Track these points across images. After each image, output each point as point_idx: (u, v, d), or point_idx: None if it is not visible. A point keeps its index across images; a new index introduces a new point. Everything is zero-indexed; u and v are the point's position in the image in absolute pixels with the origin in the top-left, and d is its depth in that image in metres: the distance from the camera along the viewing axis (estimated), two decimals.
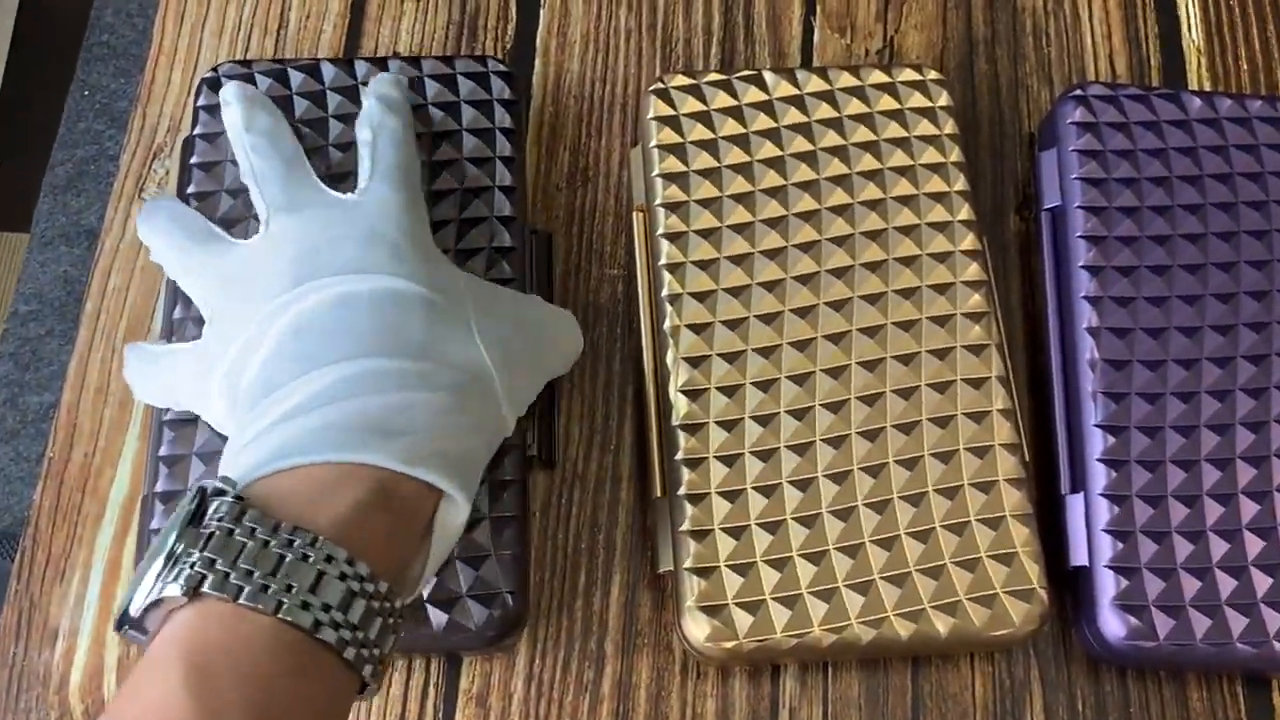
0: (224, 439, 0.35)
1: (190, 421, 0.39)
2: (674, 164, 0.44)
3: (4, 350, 0.44)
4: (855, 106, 0.46)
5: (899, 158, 0.45)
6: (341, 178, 0.42)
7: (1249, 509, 0.41)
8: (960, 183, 0.45)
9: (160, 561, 0.28)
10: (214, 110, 0.43)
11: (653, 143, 0.45)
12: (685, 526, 0.40)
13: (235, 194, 0.43)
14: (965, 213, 0.45)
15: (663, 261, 0.43)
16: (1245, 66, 0.52)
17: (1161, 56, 0.52)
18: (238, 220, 0.42)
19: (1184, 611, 0.40)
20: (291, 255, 0.35)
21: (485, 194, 0.44)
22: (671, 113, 0.45)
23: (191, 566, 0.28)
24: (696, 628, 0.39)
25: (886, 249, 0.44)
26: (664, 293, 0.43)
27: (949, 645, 0.39)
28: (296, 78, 0.44)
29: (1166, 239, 0.45)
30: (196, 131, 0.44)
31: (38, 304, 0.45)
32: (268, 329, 0.34)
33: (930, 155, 0.45)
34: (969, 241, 0.44)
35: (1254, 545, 0.40)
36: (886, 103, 0.46)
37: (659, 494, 0.41)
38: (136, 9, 0.50)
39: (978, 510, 0.40)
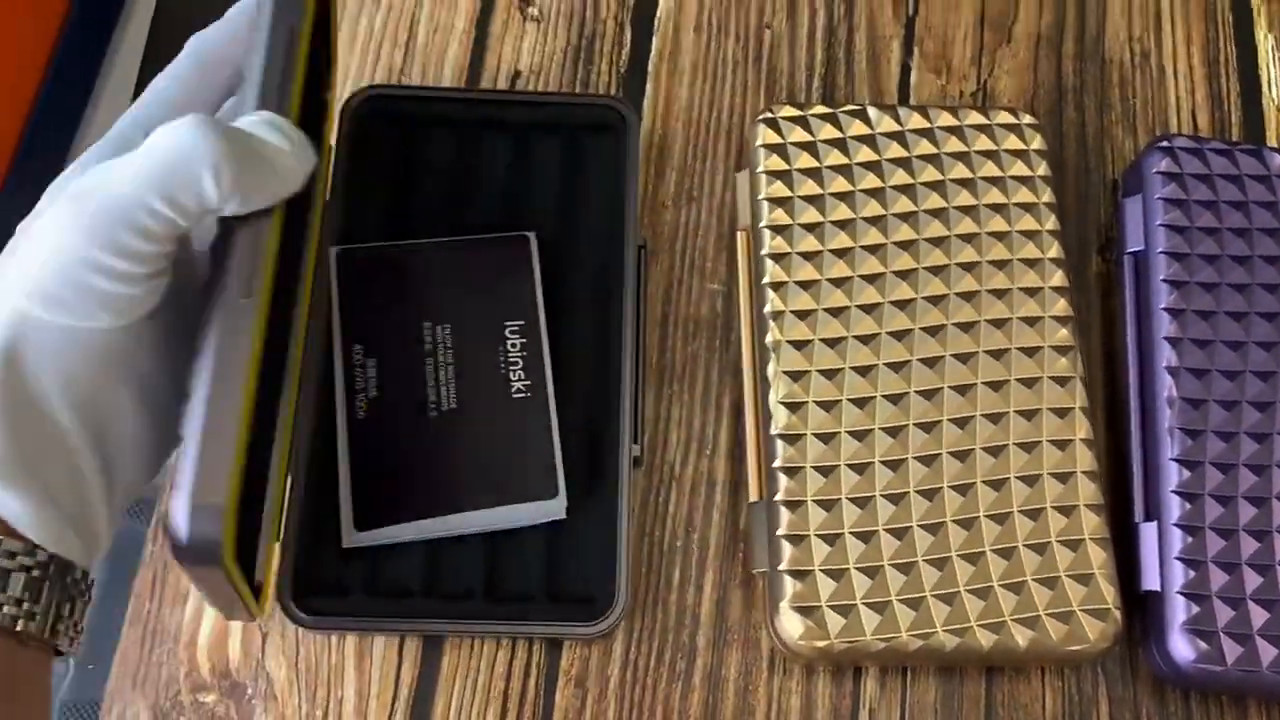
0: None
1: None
2: (780, 189, 0.47)
3: None
4: (953, 144, 0.49)
5: (994, 195, 0.48)
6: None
7: None
8: (1051, 222, 0.48)
9: None
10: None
11: (760, 168, 0.48)
12: (782, 530, 0.42)
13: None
14: (1055, 251, 0.47)
15: (766, 280, 0.46)
16: None
17: (1243, 114, 0.54)
18: None
19: (1251, 640, 0.42)
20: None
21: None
22: (779, 141, 0.48)
23: None
24: (790, 626, 0.41)
25: (980, 280, 0.46)
26: (766, 309, 0.45)
27: (1026, 657, 0.42)
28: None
29: (1245, 287, 0.47)
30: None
31: None
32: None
33: (1023, 195, 0.48)
34: (1058, 278, 0.47)
35: None
36: (983, 142, 0.49)
37: (755, 498, 0.44)
38: None
39: (1059, 532, 0.43)
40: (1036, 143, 0.49)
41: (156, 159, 0.29)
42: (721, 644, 0.44)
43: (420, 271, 0.44)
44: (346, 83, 0.52)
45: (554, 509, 0.41)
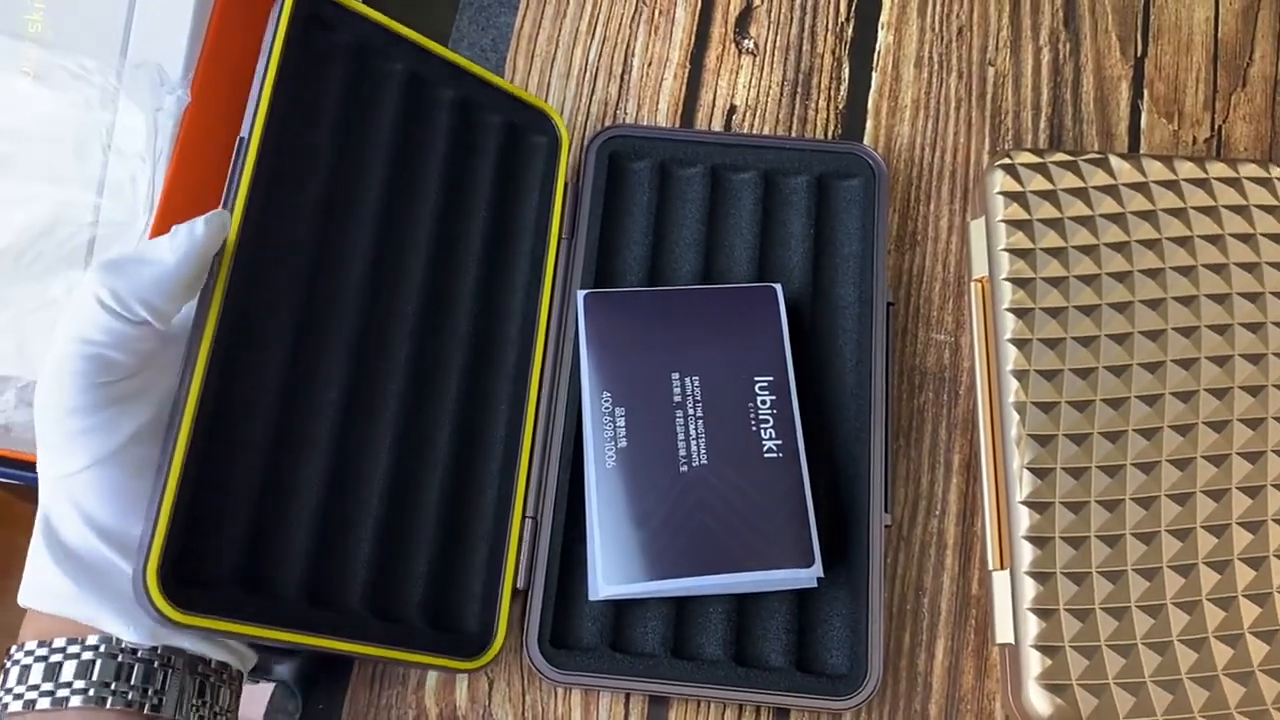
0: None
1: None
2: (1021, 240, 0.45)
3: None
4: (1200, 198, 0.46)
5: (1244, 253, 0.45)
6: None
7: None
8: None
9: None
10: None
11: (999, 216, 0.46)
12: (1030, 603, 0.40)
13: None
14: None
15: (1008, 336, 0.44)
16: None
17: None
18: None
19: None
20: None
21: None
22: (1018, 188, 0.46)
23: None
24: (1039, 703, 0.39)
25: (1232, 344, 0.44)
26: (1009, 367, 0.44)
27: None
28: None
29: None
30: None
31: None
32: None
33: (1276, 253, 0.46)
34: None
35: None
36: (1231, 196, 0.46)
37: (996, 566, 0.42)
38: (489, 44, 0.52)
39: None
40: None
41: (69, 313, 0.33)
42: (954, 713, 0.43)
43: (667, 318, 0.43)
44: (563, 114, 0.51)
45: (807, 577, 0.40)
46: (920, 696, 0.43)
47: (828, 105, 0.52)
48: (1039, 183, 0.46)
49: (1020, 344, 0.44)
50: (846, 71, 0.53)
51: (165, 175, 0.43)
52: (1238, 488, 0.42)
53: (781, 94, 0.52)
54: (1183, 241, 0.46)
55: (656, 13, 0.54)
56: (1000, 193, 0.46)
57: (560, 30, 0.53)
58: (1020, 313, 0.44)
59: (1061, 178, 0.46)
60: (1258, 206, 0.46)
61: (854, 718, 0.42)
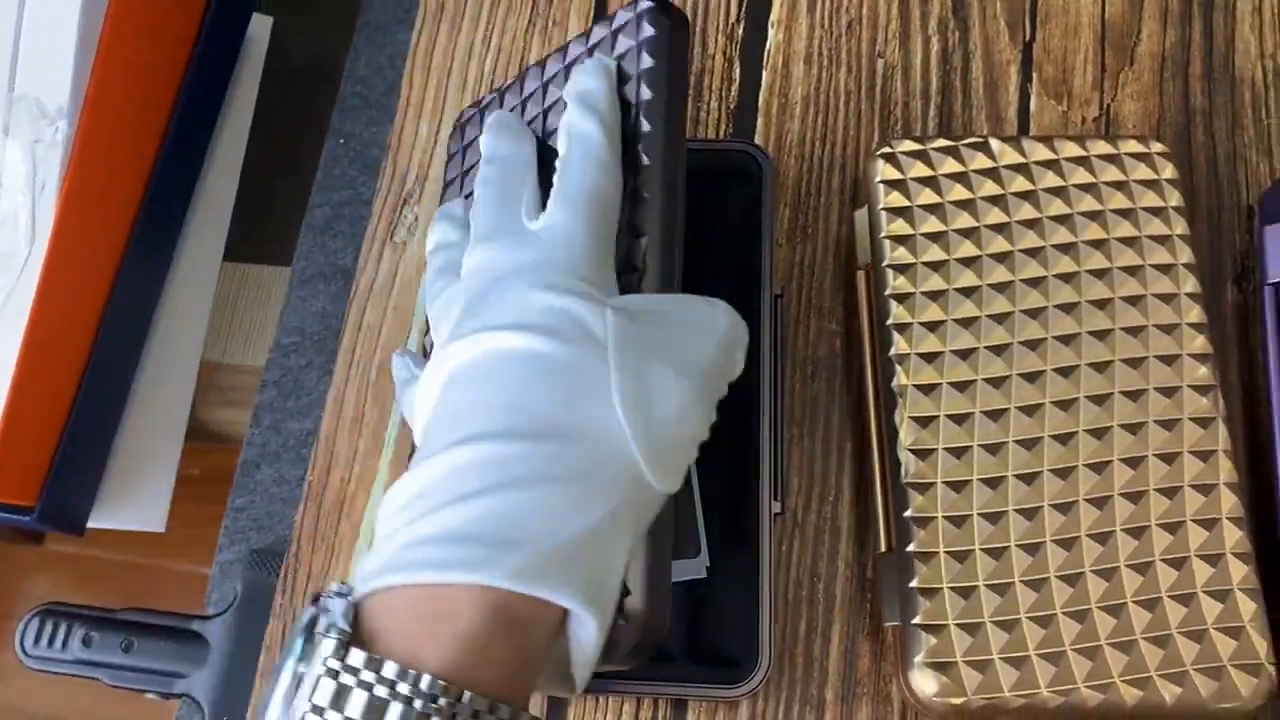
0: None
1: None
2: (901, 226, 0.46)
3: (269, 379, 0.47)
4: (1080, 176, 0.47)
5: (1125, 229, 0.46)
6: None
7: None
8: (1186, 255, 0.46)
9: (284, 682, 0.27)
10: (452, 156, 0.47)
11: (880, 204, 0.46)
12: (915, 583, 0.41)
13: None
14: (1191, 285, 0.45)
15: (891, 321, 0.45)
16: None
17: None
18: None
19: None
20: (467, 295, 0.34)
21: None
22: (899, 176, 0.47)
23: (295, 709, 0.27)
24: (925, 682, 0.40)
25: (1113, 318, 0.45)
26: (891, 352, 0.44)
27: (1173, 715, 0.40)
28: None
29: None
30: (449, 177, 0.47)
31: (298, 336, 0.48)
32: (433, 380, 0.33)
33: (1156, 227, 0.46)
34: (1195, 314, 0.45)
35: None
36: (1111, 173, 0.47)
37: (885, 549, 0.43)
38: (386, 62, 0.53)
39: (1204, 582, 0.41)
40: (1168, 172, 0.47)
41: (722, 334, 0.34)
42: (850, 697, 0.43)
43: None
44: None
45: (695, 567, 0.40)
46: (816, 681, 0.43)
47: (719, 106, 0.53)
48: (919, 169, 0.47)
49: (902, 329, 0.45)
50: (737, 72, 0.53)
51: (55, 207, 0.44)
52: (1119, 459, 0.43)
53: None
54: (1063, 220, 0.46)
55: (550, 23, 0.54)
56: (881, 181, 0.47)
57: (456, 44, 0.54)
58: (902, 298, 0.45)
59: (942, 163, 0.47)
60: (1137, 181, 0.47)
61: (750, 705, 0.43)
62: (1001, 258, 0.46)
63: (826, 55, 0.54)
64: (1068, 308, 0.45)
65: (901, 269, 0.45)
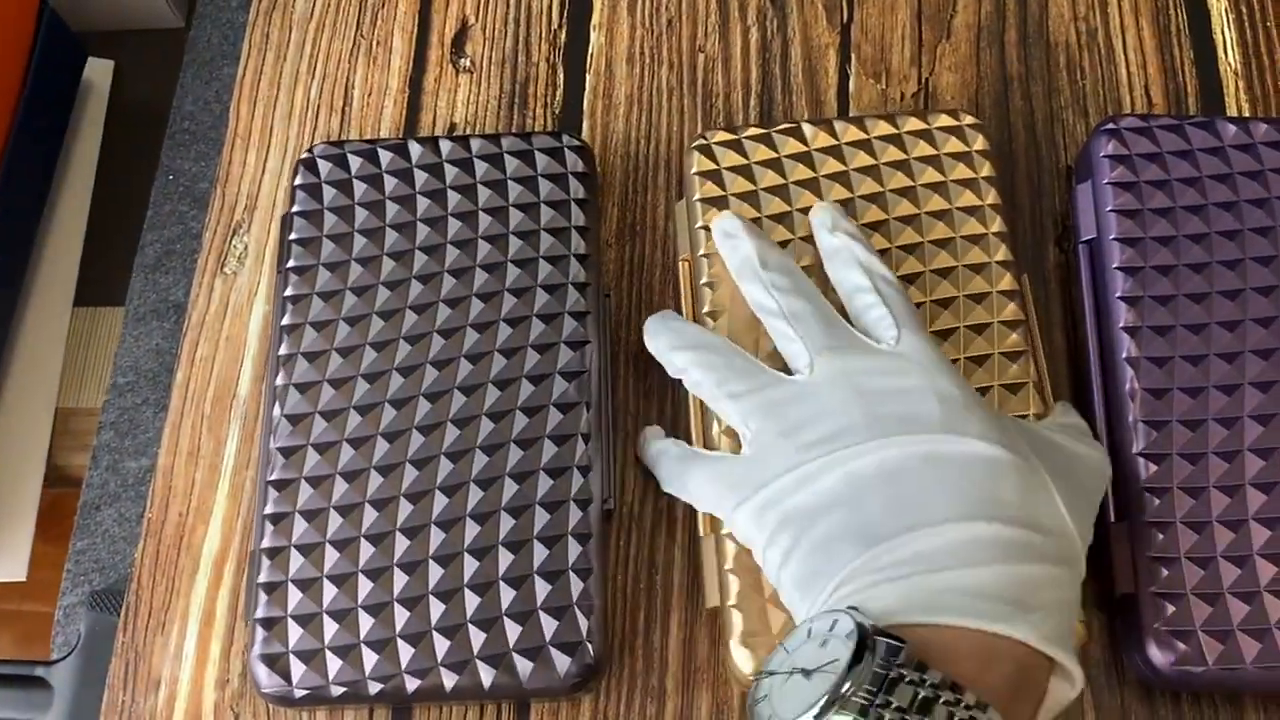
0: (324, 500, 0.41)
1: (292, 481, 0.43)
2: (715, 216, 0.46)
3: (105, 420, 0.48)
4: (892, 153, 0.47)
5: (936, 202, 0.47)
6: (429, 250, 0.45)
7: None
8: (997, 224, 0.46)
9: (826, 698, 0.29)
10: (310, 189, 0.47)
11: (696, 196, 0.47)
12: (730, 565, 0.41)
13: (332, 268, 0.46)
14: (1003, 254, 0.46)
15: (706, 309, 0.45)
16: None
17: (1199, 83, 0.52)
18: (333, 293, 0.45)
19: (1232, 636, 0.40)
20: (852, 399, 0.37)
21: (562, 262, 0.46)
22: (713, 167, 0.47)
23: (865, 708, 0.29)
24: (743, 661, 0.40)
25: (925, 291, 0.45)
26: None
27: None
28: (385, 156, 0.48)
29: (1204, 266, 0.45)
30: (294, 209, 0.47)
31: (134, 375, 0.48)
32: (834, 469, 0.36)
33: (967, 198, 0.47)
34: (1006, 282, 0.45)
35: None
36: (923, 148, 0.48)
37: (704, 533, 0.43)
38: (214, 96, 0.54)
39: None
40: (979, 143, 0.48)
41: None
42: (691, 685, 0.43)
43: None
44: (284, 157, 0.52)
45: None
46: (657, 672, 0.44)
47: (544, 112, 0.53)
48: (732, 159, 0.48)
49: (715, 316, 0.45)
50: (561, 77, 0.54)
51: None
52: None
53: (500, 106, 0.54)
54: (875, 198, 0.47)
55: (374, 44, 0.55)
56: (696, 173, 0.47)
57: (281, 73, 0.54)
58: (715, 286, 0.46)
59: (755, 151, 0.48)
60: (948, 155, 0.48)
61: (592, 703, 0.43)
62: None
63: (648, 54, 0.54)
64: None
65: (716, 258, 0.46)
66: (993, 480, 0.35)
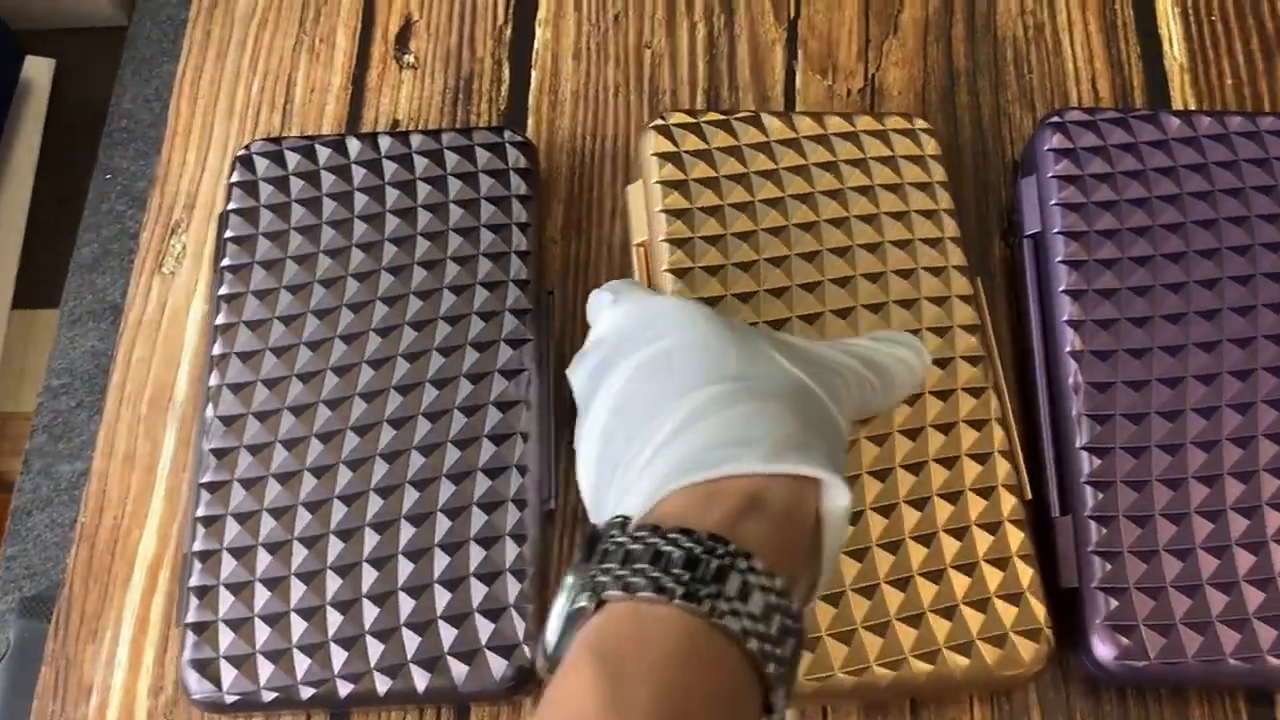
0: (257, 503, 0.40)
1: (225, 483, 0.42)
2: (677, 200, 0.45)
3: (38, 423, 0.47)
4: (849, 151, 0.47)
5: (893, 203, 0.46)
6: (367, 248, 0.45)
7: (1238, 525, 0.41)
8: (951, 229, 0.46)
9: (563, 597, 0.30)
10: (247, 187, 0.46)
11: (655, 178, 0.46)
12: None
13: (268, 266, 0.45)
14: (958, 258, 0.45)
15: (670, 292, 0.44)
16: (1230, 82, 0.52)
17: (1145, 77, 0.52)
18: (269, 291, 0.45)
19: (1175, 630, 0.40)
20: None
21: (503, 259, 0.46)
22: (673, 149, 0.46)
23: (591, 580, 0.29)
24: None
25: (886, 292, 0.44)
26: None
27: (961, 686, 0.40)
28: (323, 153, 0.47)
29: (1148, 259, 0.45)
30: (231, 207, 0.46)
31: (69, 378, 0.47)
32: (600, 391, 0.36)
33: (922, 202, 0.46)
34: (962, 286, 0.45)
35: (1244, 561, 0.41)
36: (879, 148, 0.47)
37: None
38: (153, 94, 0.53)
39: (985, 552, 0.41)
40: (931, 147, 0.47)
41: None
42: None
43: None
44: (224, 155, 0.52)
45: None
46: None
47: (489, 108, 0.53)
48: (693, 142, 0.46)
49: None
50: (506, 72, 0.53)
51: None
52: (899, 431, 0.43)
53: (444, 103, 0.53)
54: (835, 194, 0.46)
55: (317, 40, 0.54)
56: (655, 154, 0.46)
57: (222, 71, 0.54)
58: (680, 273, 0.44)
59: (715, 136, 0.47)
60: (904, 158, 0.47)
61: (534, 705, 0.43)
62: (777, 232, 0.45)
63: (594, 50, 0.54)
64: (843, 282, 0.45)
65: (679, 243, 0.45)
66: (712, 355, 0.35)
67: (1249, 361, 0.43)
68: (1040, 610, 0.40)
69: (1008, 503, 0.42)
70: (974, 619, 0.40)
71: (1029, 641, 0.40)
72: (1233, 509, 0.41)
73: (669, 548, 0.29)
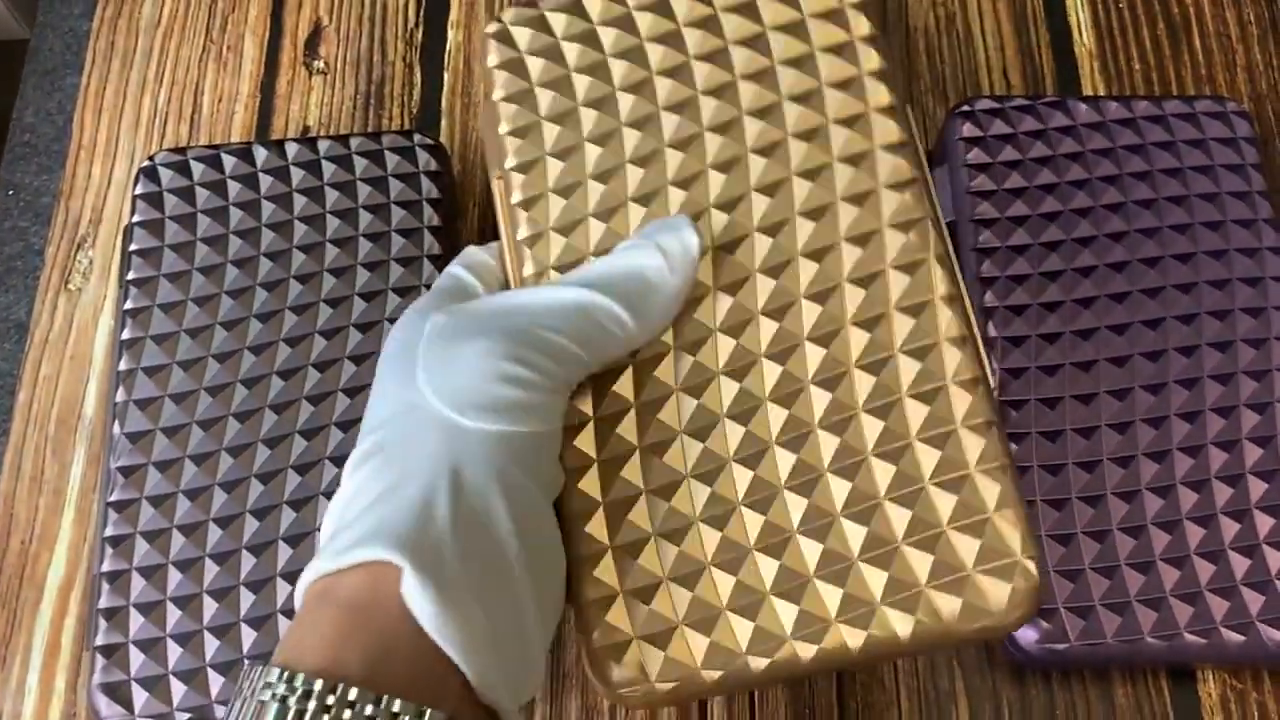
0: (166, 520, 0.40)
1: (133, 502, 0.41)
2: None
3: None
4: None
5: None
6: (275, 256, 0.44)
7: (1153, 504, 0.41)
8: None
9: None
10: (152, 198, 0.45)
11: (499, 94, 0.37)
12: (582, 551, 0.38)
13: (174, 279, 0.44)
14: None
15: (523, 234, 0.36)
16: (1138, 67, 0.53)
17: (1055, 64, 0.53)
18: (175, 304, 0.44)
19: (1094, 611, 0.40)
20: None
21: (415, 264, 0.45)
22: (515, 55, 0.37)
23: None
24: (601, 674, 0.37)
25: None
26: (526, 272, 0.36)
27: (913, 651, 0.32)
28: (230, 161, 0.46)
29: (1059, 244, 0.45)
30: (135, 219, 0.45)
31: None
32: None
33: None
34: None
35: (1160, 540, 0.41)
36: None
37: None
38: (56, 107, 0.52)
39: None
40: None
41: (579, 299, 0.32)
42: (560, 691, 0.42)
43: None
44: (130, 168, 0.51)
45: None
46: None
47: (401, 111, 0.52)
48: (539, 40, 0.37)
49: (534, 242, 0.36)
50: (418, 75, 0.53)
51: None
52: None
53: (355, 108, 0.52)
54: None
55: (225, 48, 0.53)
56: (497, 66, 0.37)
57: (127, 82, 0.53)
58: (530, 204, 0.36)
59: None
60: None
61: None
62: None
63: None
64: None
65: (530, 168, 0.36)
66: (372, 402, 0.32)
67: (1160, 342, 0.44)
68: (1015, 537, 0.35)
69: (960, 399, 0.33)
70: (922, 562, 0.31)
71: (1001, 581, 0.31)
72: (1148, 489, 0.42)
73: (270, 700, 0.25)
